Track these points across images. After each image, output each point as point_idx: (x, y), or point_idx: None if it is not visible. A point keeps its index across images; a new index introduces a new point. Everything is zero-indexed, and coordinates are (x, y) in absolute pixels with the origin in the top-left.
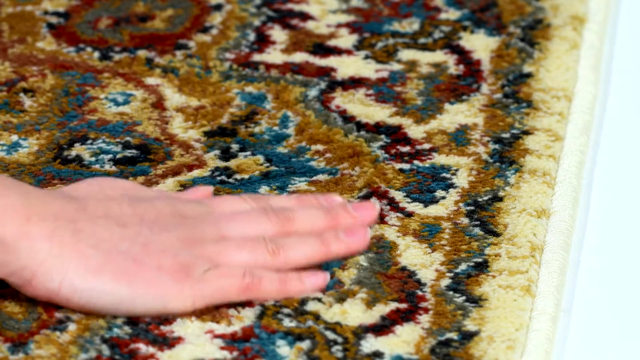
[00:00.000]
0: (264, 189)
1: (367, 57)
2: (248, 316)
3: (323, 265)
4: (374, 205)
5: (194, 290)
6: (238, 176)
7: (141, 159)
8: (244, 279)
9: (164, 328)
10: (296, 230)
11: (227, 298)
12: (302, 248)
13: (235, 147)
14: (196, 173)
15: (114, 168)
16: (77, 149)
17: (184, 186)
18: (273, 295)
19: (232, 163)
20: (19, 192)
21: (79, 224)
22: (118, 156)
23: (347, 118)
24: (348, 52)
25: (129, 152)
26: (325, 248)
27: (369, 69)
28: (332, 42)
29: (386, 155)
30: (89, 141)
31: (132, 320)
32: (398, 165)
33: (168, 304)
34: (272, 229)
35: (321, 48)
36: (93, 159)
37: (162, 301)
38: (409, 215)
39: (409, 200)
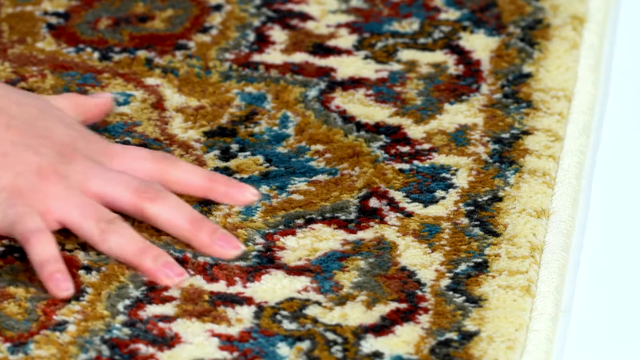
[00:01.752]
0: (263, 188)
1: (366, 57)
2: (247, 318)
3: (323, 265)
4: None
5: (2, 216)
6: (238, 176)
7: None
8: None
9: (163, 325)
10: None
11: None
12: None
13: (235, 147)
14: None
15: None
16: None
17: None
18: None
19: (232, 163)
20: None
21: None
22: None
23: (346, 118)
24: (348, 52)
25: None
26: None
27: (368, 69)
28: (331, 42)
29: (386, 155)
30: None
31: (132, 320)
32: (398, 165)
33: None
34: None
35: (321, 48)
36: None
37: None
38: (409, 215)
39: (408, 200)
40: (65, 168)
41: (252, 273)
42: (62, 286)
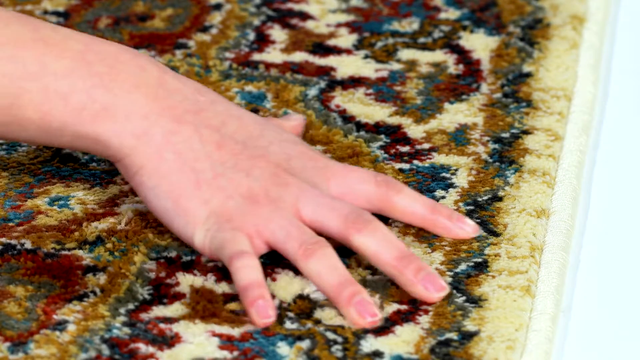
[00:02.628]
0: None
1: (366, 56)
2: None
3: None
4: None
5: (211, 239)
6: None
7: None
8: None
9: (164, 326)
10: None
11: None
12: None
13: None
14: None
15: (106, 165)
16: None
17: None
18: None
19: None
20: (144, 91)
21: (180, 127)
22: None
23: (346, 118)
24: (348, 51)
25: None
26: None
27: (368, 69)
28: (331, 42)
29: (386, 155)
30: None
31: (132, 321)
32: (398, 165)
33: (193, 238)
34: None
35: (321, 47)
36: (87, 157)
37: (189, 232)
38: None
39: None
40: (277, 191)
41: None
42: (262, 313)
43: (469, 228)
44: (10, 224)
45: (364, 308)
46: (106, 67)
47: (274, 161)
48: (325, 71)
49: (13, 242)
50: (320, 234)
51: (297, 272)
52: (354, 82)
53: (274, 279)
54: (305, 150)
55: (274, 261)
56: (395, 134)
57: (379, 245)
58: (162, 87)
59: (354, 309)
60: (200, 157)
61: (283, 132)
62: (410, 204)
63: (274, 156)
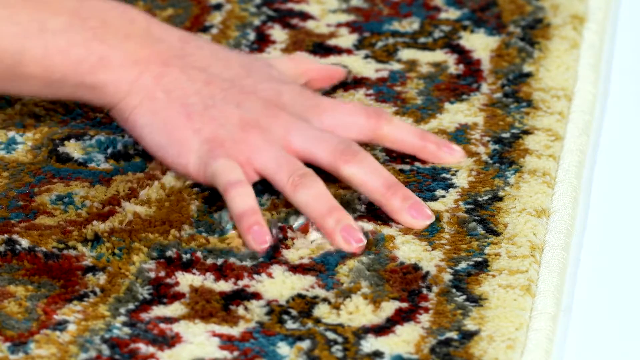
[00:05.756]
0: (260, 186)
1: (367, 56)
2: (258, 313)
3: (325, 261)
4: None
5: (205, 167)
6: None
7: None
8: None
9: (164, 326)
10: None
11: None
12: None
13: None
14: None
15: (107, 165)
16: (72, 145)
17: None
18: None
19: None
20: (134, 41)
21: (168, 69)
22: (111, 151)
23: None
24: (348, 51)
25: (128, 150)
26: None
27: (369, 69)
28: (332, 42)
29: (387, 157)
30: (87, 137)
31: (132, 321)
32: (398, 166)
33: (187, 167)
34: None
35: (321, 47)
36: (86, 156)
37: (183, 161)
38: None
39: None
40: (268, 122)
41: (257, 267)
42: (258, 239)
43: (458, 155)
44: (12, 221)
45: (350, 234)
46: (99, 22)
47: (264, 97)
48: None
49: (14, 239)
50: (309, 165)
51: (293, 270)
52: (354, 82)
53: (269, 275)
54: (295, 87)
55: (270, 259)
56: None
57: (367, 175)
58: (149, 36)
59: (340, 236)
60: (190, 93)
61: (277, 74)
62: (400, 133)
63: (263, 92)
